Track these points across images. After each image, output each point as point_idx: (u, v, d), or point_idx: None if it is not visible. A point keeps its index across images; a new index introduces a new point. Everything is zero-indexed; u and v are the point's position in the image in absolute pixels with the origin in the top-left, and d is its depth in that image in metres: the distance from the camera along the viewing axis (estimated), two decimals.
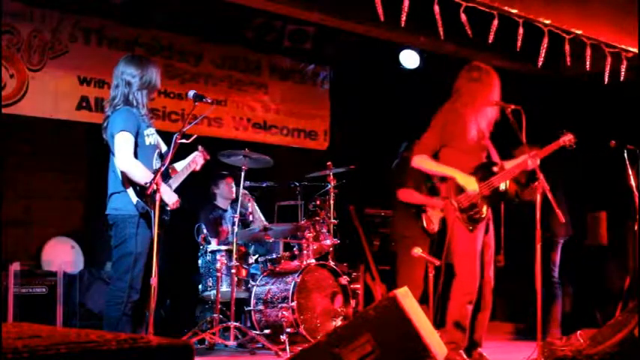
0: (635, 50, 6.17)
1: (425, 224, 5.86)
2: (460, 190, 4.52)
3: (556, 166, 5.28)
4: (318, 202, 5.93)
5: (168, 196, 4.18)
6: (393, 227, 6.32)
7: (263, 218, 6.21)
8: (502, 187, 4.61)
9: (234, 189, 6.34)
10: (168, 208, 4.18)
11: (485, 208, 4.54)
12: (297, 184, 6.37)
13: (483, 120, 4.65)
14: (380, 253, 6.89)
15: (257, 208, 6.18)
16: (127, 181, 4.07)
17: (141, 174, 4.02)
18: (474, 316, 4.54)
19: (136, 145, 4.11)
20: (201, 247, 5.85)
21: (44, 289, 5.47)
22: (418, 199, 5.77)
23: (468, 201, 4.49)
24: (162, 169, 3.99)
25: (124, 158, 4.04)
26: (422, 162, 4.62)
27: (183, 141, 4.09)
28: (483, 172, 4.58)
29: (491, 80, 4.61)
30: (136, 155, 4.09)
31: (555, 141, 4.67)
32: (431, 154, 4.62)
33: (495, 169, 4.61)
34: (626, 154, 5.61)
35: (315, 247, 5.77)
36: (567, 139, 4.66)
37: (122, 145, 4.04)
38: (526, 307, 6.02)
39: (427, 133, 4.66)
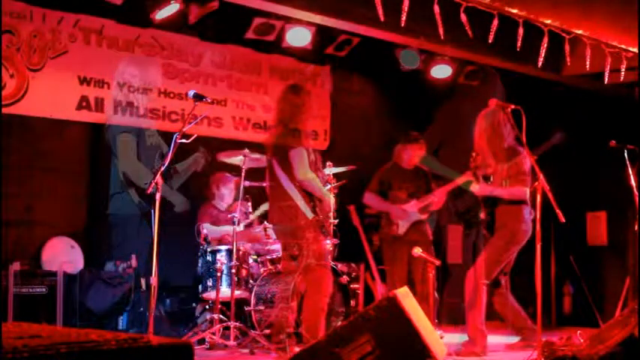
0: (635, 50, 6.17)
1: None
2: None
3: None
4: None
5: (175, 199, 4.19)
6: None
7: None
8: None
9: (239, 189, 6.34)
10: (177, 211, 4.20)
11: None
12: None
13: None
14: (380, 253, 6.89)
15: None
16: (128, 181, 4.08)
17: (145, 177, 4.04)
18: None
19: (137, 145, 4.12)
20: (201, 247, 5.84)
21: (44, 289, 5.45)
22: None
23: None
24: (163, 168, 4.00)
25: (129, 161, 4.06)
26: None
27: (183, 141, 4.10)
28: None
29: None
30: (138, 156, 4.10)
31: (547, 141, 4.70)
32: None
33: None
34: (626, 154, 5.61)
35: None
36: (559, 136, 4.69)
37: (126, 148, 4.06)
38: None
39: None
